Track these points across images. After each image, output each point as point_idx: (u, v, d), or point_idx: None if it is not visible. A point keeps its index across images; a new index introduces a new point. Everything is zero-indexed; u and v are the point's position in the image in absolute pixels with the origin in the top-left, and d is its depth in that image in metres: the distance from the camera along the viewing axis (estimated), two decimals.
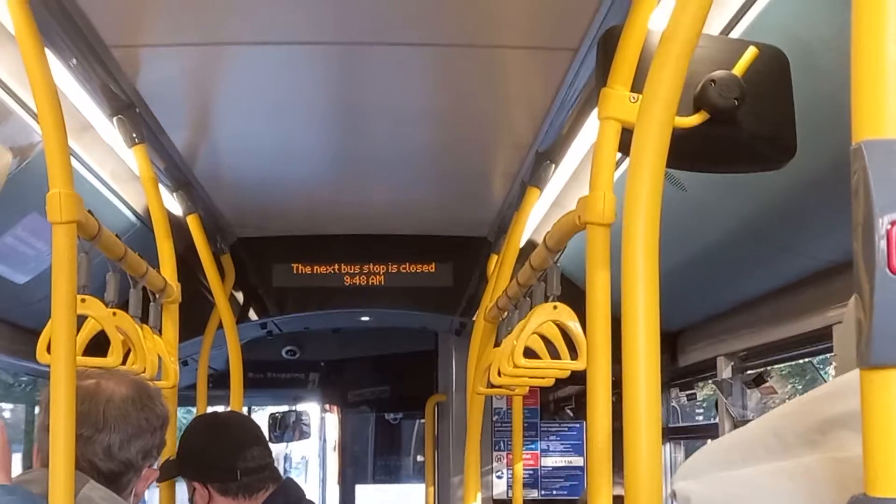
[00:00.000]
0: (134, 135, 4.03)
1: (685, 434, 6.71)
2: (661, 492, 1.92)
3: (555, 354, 3.91)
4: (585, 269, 2.67)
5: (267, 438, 4.32)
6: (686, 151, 2.38)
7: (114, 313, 3.37)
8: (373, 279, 6.59)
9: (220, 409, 5.64)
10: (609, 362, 2.61)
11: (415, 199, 5.80)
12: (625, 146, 2.63)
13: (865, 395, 1.13)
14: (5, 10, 2.88)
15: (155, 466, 3.39)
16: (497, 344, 4.79)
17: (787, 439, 1.04)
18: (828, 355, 4.30)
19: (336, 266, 6.58)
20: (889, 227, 1.13)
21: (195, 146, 4.71)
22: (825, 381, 4.75)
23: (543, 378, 4.19)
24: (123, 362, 3.47)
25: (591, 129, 4.10)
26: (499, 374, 4.12)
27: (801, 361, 5.28)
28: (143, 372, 3.53)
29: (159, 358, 3.80)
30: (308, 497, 4.25)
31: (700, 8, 1.91)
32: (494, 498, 7.35)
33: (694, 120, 2.47)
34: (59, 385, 2.61)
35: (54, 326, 2.65)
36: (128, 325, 3.42)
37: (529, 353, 3.80)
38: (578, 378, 4.20)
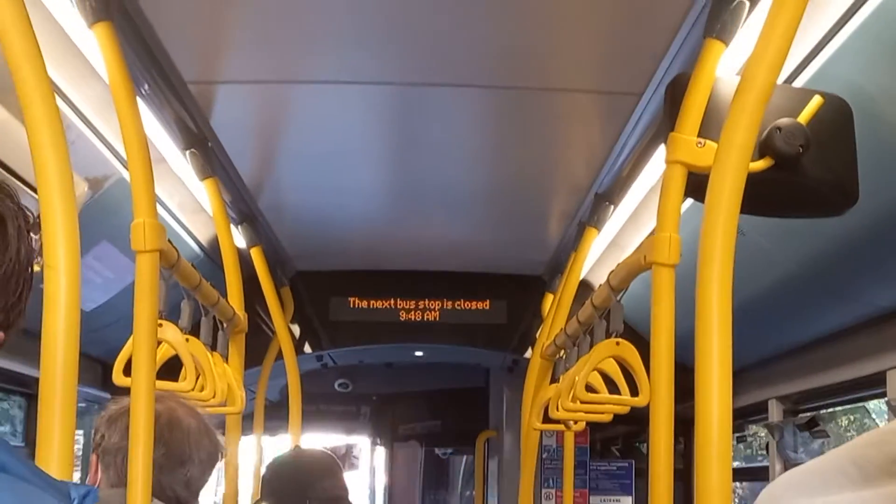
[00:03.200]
0: (206, 168, 4.13)
1: (737, 476, 6.70)
2: None
3: (612, 392, 3.96)
4: (639, 311, 2.72)
5: (343, 474, 4.39)
6: (751, 196, 2.44)
7: (186, 339, 3.46)
8: (428, 315, 6.67)
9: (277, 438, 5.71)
10: (672, 398, 2.68)
11: (471, 237, 5.88)
12: (690, 189, 2.71)
13: None
14: (92, 44, 2.99)
15: None
16: (553, 381, 4.84)
17: (867, 469, 1.09)
18: (882, 400, 4.31)
19: (392, 301, 6.66)
20: None
21: (261, 180, 4.81)
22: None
23: (602, 413, 4.24)
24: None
25: (650, 171, 4.17)
26: (557, 408, 4.18)
27: (852, 406, 5.28)
28: (213, 398, 3.62)
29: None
30: None
31: (776, 59, 1.99)
32: None
33: (760, 165, 2.54)
34: (138, 406, 2.69)
35: (136, 349, 2.74)
36: (200, 351, 3.51)
37: (588, 389, 3.86)
38: (627, 418, 4.26)
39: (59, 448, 2.22)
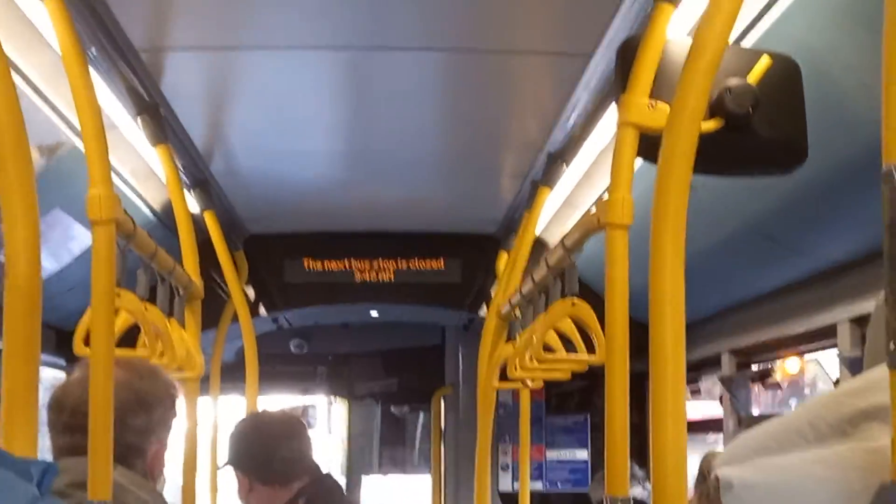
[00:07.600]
0: (157, 134, 4.12)
1: (691, 429, 6.77)
2: (686, 482, 2.03)
3: (568, 349, 4.00)
4: (593, 268, 2.74)
5: (308, 434, 4.40)
6: (702, 156, 2.46)
7: (145, 308, 3.46)
8: (382, 275, 6.70)
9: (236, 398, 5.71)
10: (627, 357, 2.72)
11: (424, 197, 5.90)
12: (643, 150, 2.73)
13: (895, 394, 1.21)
14: (41, 13, 2.97)
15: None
16: (509, 339, 4.88)
17: (821, 429, 1.13)
18: (833, 350, 4.38)
19: (346, 262, 6.68)
20: None
21: (212, 145, 4.80)
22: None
23: (560, 371, 4.27)
24: None
25: (601, 130, 4.20)
26: (515, 368, 4.21)
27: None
28: (172, 363, 3.61)
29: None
30: (345, 493, 4.39)
31: (727, 21, 2.02)
32: (500, 491, 7.44)
33: (711, 126, 2.55)
34: (98, 376, 2.69)
35: (94, 320, 2.73)
36: (158, 319, 3.51)
37: (545, 348, 3.89)
38: (582, 373, 4.30)
39: (24, 420, 2.22)
